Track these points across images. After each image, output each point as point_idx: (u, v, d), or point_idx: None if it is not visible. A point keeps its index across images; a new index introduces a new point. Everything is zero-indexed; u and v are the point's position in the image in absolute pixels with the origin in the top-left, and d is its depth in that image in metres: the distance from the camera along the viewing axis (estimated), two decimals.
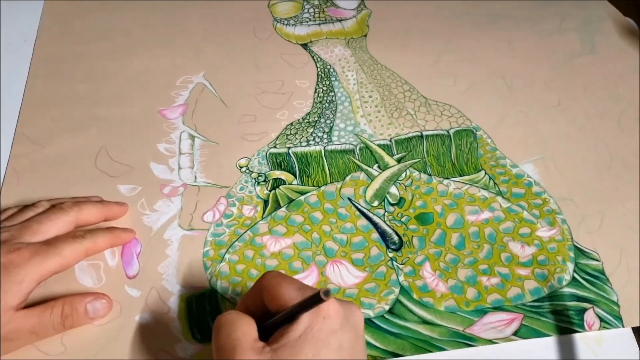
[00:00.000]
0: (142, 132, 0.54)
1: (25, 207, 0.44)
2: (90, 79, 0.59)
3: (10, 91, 0.57)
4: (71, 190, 0.49)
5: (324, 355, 0.30)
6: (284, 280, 0.33)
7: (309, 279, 0.45)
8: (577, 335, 0.43)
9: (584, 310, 0.44)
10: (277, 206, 0.49)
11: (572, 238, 0.48)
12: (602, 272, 0.46)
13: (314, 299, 0.29)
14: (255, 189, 0.50)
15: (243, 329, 0.32)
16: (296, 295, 0.32)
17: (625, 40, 0.66)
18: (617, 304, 0.44)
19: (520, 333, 0.42)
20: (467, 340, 0.42)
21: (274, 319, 0.33)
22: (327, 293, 0.28)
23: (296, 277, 0.44)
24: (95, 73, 0.59)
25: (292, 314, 0.31)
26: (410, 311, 0.43)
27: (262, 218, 0.48)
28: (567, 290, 0.45)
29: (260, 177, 0.51)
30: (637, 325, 0.43)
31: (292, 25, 0.66)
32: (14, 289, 0.38)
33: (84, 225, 0.44)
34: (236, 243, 0.47)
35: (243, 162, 0.52)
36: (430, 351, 0.41)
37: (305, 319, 0.31)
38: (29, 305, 0.39)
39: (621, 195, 0.51)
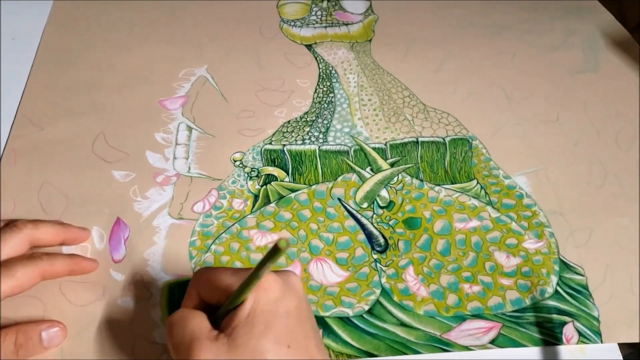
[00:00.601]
0: (141, 120, 0.55)
1: None
2: (94, 67, 0.60)
3: (16, 75, 0.58)
4: (66, 173, 0.50)
5: (275, 324, 0.31)
6: (216, 271, 0.34)
7: None
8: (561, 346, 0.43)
9: (564, 323, 0.44)
10: (267, 202, 0.50)
11: (558, 252, 0.48)
12: (586, 287, 0.46)
13: (266, 259, 0.29)
14: (247, 183, 0.51)
15: (196, 321, 0.33)
16: (234, 280, 0.33)
17: (628, 57, 0.66)
18: (597, 320, 0.44)
19: (497, 342, 0.42)
20: (443, 345, 0.42)
21: (224, 307, 0.33)
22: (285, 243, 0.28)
23: None
24: (99, 62, 0.60)
25: (238, 295, 0.31)
26: (389, 313, 0.44)
27: (251, 212, 0.49)
28: (549, 302, 0.45)
29: (253, 172, 0.52)
30: (615, 341, 0.43)
31: (299, 26, 0.67)
32: None
33: (39, 245, 0.42)
34: (223, 235, 0.47)
35: (237, 156, 0.53)
36: (405, 353, 0.41)
37: (249, 298, 0.31)
38: None
39: (612, 212, 0.51)
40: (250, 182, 0.51)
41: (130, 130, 0.54)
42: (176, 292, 0.44)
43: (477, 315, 0.44)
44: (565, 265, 0.47)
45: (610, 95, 0.62)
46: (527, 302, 0.45)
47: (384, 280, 0.46)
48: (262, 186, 0.51)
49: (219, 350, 0.31)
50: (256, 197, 0.50)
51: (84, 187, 0.49)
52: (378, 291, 0.45)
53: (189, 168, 0.52)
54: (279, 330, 0.31)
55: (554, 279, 0.46)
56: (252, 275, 0.30)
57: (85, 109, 0.56)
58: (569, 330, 0.43)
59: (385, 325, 0.43)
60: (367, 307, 0.44)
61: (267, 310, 0.31)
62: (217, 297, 0.33)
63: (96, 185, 0.50)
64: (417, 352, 0.42)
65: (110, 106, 0.56)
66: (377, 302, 0.44)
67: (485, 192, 0.52)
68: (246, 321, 0.31)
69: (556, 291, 0.46)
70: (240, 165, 0.52)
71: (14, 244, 0.40)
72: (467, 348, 0.42)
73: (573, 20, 0.71)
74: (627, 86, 0.63)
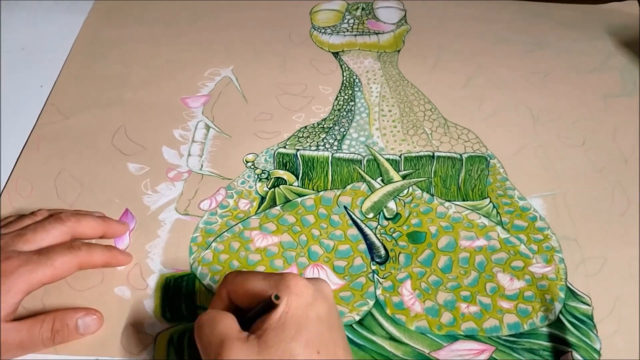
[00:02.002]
0: (162, 116, 0.57)
1: (23, 216, 0.43)
2: (125, 62, 0.62)
3: (51, 65, 0.60)
4: (84, 161, 0.52)
5: (306, 328, 0.32)
6: (247, 275, 0.35)
7: None
8: None
9: (561, 353, 0.42)
10: (273, 204, 0.50)
11: (566, 278, 0.46)
12: (591, 318, 0.44)
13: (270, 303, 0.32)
14: (255, 184, 0.51)
15: (226, 323, 0.33)
16: (264, 284, 0.34)
17: None
18: (598, 352, 0.42)
19: None
20: None
21: (254, 310, 0.33)
22: (277, 297, 0.31)
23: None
24: (130, 58, 0.62)
25: (265, 307, 0.32)
26: (380, 325, 0.43)
27: (256, 213, 0.49)
28: (548, 330, 0.43)
29: (263, 174, 0.52)
30: None
31: (329, 34, 0.67)
32: (1, 299, 0.36)
33: (81, 238, 0.43)
34: (225, 233, 0.48)
35: (250, 157, 0.54)
36: None
37: (281, 303, 0.32)
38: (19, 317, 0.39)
39: (630, 242, 0.49)
40: (259, 184, 0.51)
41: (150, 125, 0.56)
42: (172, 286, 0.44)
43: (470, 336, 0.43)
44: (571, 293, 0.46)
45: None
46: (526, 327, 0.44)
47: (379, 292, 0.45)
48: (270, 188, 0.51)
49: (249, 350, 0.31)
50: (263, 198, 0.50)
51: (99, 177, 0.51)
52: (372, 302, 0.44)
53: (202, 166, 0.53)
54: (309, 335, 0.32)
55: (558, 306, 0.45)
56: (263, 306, 0.32)
57: (111, 102, 0.58)
58: None
59: (374, 338, 0.42)
60: (357, 318, 0.44)
61: (298, 314, 0.32)
62: (248, 300, 0.34)
63: (110, 176, 0.51)
64: None
65: (134, 100, 0.58)
66: (369, 313, 0.44)
67: (497, 212, 0.51)
68: (277, 324, 0.32)
69: (558, 319, 0.44)
70: (252, 167, 0.53)
71: (56, 236, 0.41)
72: None
73: (615, 41, 0.69)
74: None
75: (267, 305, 0.32)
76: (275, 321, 0.32)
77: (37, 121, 0.55)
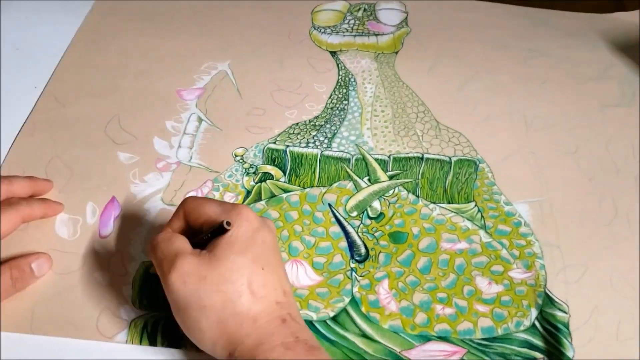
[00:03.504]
0: (156, 107, 0.57)
1: None
2: (124, 53, 0.63)
3: (44, 65, 0.61)
4: (76, 149, 0.53)
5: (253, 247, 0.36)
6: (204, 200, 0.39)
7: None
8: None
9: (533, 359, 0.42)
10: (258, 199, 0.51)
11: (545, 285, 0.46)
12: (566, 326, 0.44)
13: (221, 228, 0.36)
14: (242, 178, 0.52)
15: (180, 242, 0.37)
16: (218, 210, 0.37)
17: None
18: None
19: None
20: None
21: (206, 232, 0.37)
22: (229, 224, 0.35)
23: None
24: (130, 48, 0.63)
25: (217, 231, 0.36)
26: (354, 322, 0.43)
27: None
28: (522, 335, 0.43)
29: (251, 169, 0.53)
30: None
31: (328, 33, 0.68)
32: None
33: (13, 197, 0.45)
34: None
35: (240, 151, 0.54)
36: None
37: (234, 224, 0.36)
38: None
39: (614, 252, 0.49)
40: (246, 178, 0.52)
41: (144, 116, 0.56)
42: (151, 274, 0.45)
43: (443, 338, 0.43)
44: (549, 300, 0.45)
45: None
46: (500, 332, 0.43)
47: (355, 289, 0.45)
48: (257, 183, 0.52)
49: (200, 261, 0.35)
50: (248, 192, 0.51)
51: (89, 165, 0.52)
52: (347, 299, 0.45)
53: (191, 157, 0.53)
54: (256, 253, 0.36)
55: (534, 313, 0.45)
56: (214, 229, 0.36)
57: (107, 92, 0.58)
58: None
59: (347, 334, 0.43)
60: (332, 314, 0.44)
61: (247, 236, 0.36)
62: (201, 223, 0.38)
63: (100, 164, 0.52)
64: None
65: (130, 91, 0.59)
66: (344, 310, 0.44)
67: (482, 216, 0.51)
68: (226, 244, 0.35)
69: (533, 325, 0.44)
70: (240, 161, 0.53)
71: None
72: None
73: (616, 51, 0.68)
74: None
75: (219, 230, 0.36)
76: (225, 240, 0.35)
77: (33, 108, 0.56)
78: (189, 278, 0.35)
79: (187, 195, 0.40)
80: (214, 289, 0.34)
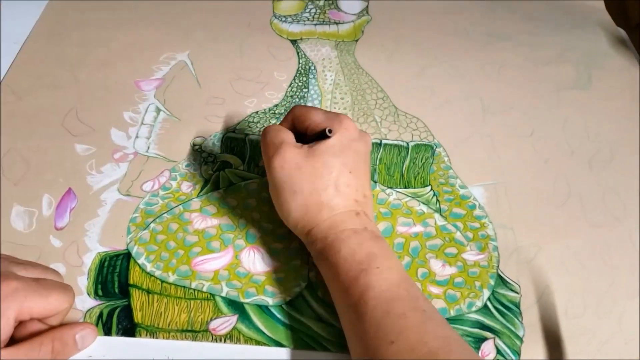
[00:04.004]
0: (114, 99, 0.57)
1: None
2: (83, 44, 0.62)
3: (8, 46, 0.61)
4: (33, 141, 0.53)
5: (348, 153, 0.41)
6: (311, 108, 0.44)
7: (223, 259, 0.46)
8: None
9: (484, 339, 0.43)
10: (216, 187, 0.51)
11: (498, 266, 0.47)
12: (517, 305, 0.45)
13: (323, 134, 0.41)
14: (200, 167, 0.52)
15: (287, 134, 0.43)
16: (323, 118, 0.43)
17: (623, 78, 0.63)
18: (520, 339, 0.43)
19: None
20: None
21: (310, 136, 0.42)
22: (330, 131, 0.40)
23: (209, 256, 0.46)
24: (89, 39, 0.63)
25: (320, 135, 0.41)
26: (310, 307, 0.44)
27: (197, 196, 0.50)
28: (474, 316, 0.44)
29: (209, 158, 0.53)
30: None
31: (289, 22, 0.68)
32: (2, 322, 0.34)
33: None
34: (165, 215, 0.48)
35: (198, 140, 0.54)
36: (315, 348, 0.42)
37: (333, 134, 0.41)
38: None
39: (565, 233, 0.50)
40: (204, 167, 0.52)
41: (101, 107, 0.56)
42: (106, 264, 0.45)
43: None
44: (501, 281, 0.46)
45: (594, 116, 0.60)
46: (452, 313, 0.44)
47: (312, 274, 0.46)
48: (215, 172, 0.52)
49: (299, 153, 0.41)
50: (207, 181, 0.51)
51: (46, 157, 0.52)
52: (304, 284, 0.45)
53: (148, 147, 0.53)
54: (348, 158, 0.41)
55: (486, 293, 0.45)
56: (318, 134, 0.42)
57: (66, 83, 0.58)
58: (487, 347, 0.43)
59: (302, 318, 0.43)
60: (288, 299, 0.44)
61: (344, 143, 0.41)
62: (305, 126, 0.43)
63: (57, 156, 0.52)
64: (326, 348, 0.42)
65: (88, 82, 0.58)
66: (300, 295, 0.45)
67: (437, 200, 0.51)
68: (326, 146, 0.41)
69: (485, 306, 0.45)
70: (199, 150, 0.53)
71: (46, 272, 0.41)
72: None
73: (575, 35, 0.69)
74: (614, 108, 0.61)
75: (322, 135, 0.41)
76: (326, 143, 0.41)
77: None
78: (287, 164, 0.40)
79: (295, 105, 0.47)
80: (305, 178, 0.40)
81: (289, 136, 0.42)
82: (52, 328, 0.38)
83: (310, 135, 0.43)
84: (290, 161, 0.40)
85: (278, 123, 0.46)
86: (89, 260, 0.45)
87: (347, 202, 0.41)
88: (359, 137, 0.43)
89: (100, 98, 0.57)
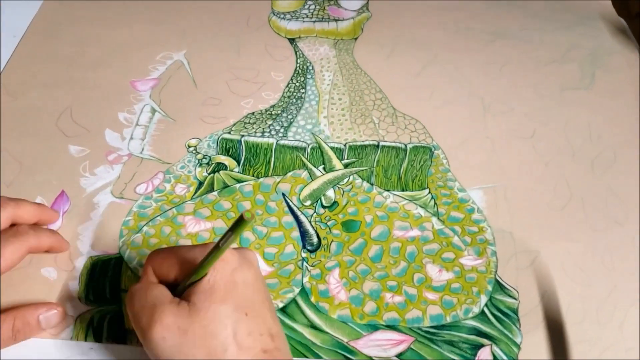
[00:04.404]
0: (109, 99, 0.57)
1: None
2: (79, 42, 0.62)
3: (4, 44, 0.60)
4: (26, 142, 0.52)
5: (235, 292, 0.33)
6: (173, 249, 0.36)
7: None
8: None
9: (480, 346, 0.42)
10: (210, 190, 0.50)
11: (496, 271, 0.46)
12: (515, 312, 0.44)
13: (220, 242, 0.32)
14: (195, 169, 0.51)
15: (158, 290, 0.34)
16: (193, 253, 0.35)
17: (627, 78, 0.62)
18: (518, 346, 0.42)
19: (404, 356, 0.41)
20: (346, 353, 0.41)
21: (183, 282, 0.35)
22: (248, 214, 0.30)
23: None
24: (84, 38, 0.62)
25: (201, 267, 0.33)
26: (302, 313, 0.43)
27: (191, 198, 0.49)
28: (470, 323, 0.43)
29: (204, 160, 0.52)
30: None
31: (287, 19, 0.67)
32: None
33: (19, 223, 0.42)
34: (158, 218, 0.48)
35: (193, 142, 0.54)
36: (306, 356, 0.41)
37: (209, 270, 0.33)
38: None
39: (566, 236, 0.49)
40: (198, 169, 0.52)
41: (96, 108, 0.56)
42: (98, 268, 0.45)
43: (391, 327, 0.43)
44: (499, 286, 0.46)
45: (597, 117, 0.59)
46: (448, 319, 0.44)
47: (306, 279, 0.45)
48: (209, 174, 0.51)
49: (180, 313, 0.33)
50: (201, 184, 0.51)
51: (39, 158, 0.51)
52: (297, 290, 0.45)
53: (142, 149, 0.53)
54: (238, 299, 0.33)
55: (484, 299, 0.45)
56: (215, 248, 0.32)
57: (60, 83, 0.58)
58: (484, 354, 0.42)
59: (295, 325, 0.43)
60: (281, 305, 0.44)
61: (226, 279, 0.34)
62: (175, 273, 0.35)
63: (51, 158, 0.51)
64: (318, 356, 0.41)
65: (83, 82, 0.58)
66: (294, 300, 0.44)
67: (435, 203, 0.50)
68: (207, 288, 0.33)
69: (482, 312, 0.44)
70: (194, 152, 0.53)
71: None
72: (370, 358, 0.41)
73: (579, 33, 0.68)
74: (618, 109, 0.60)
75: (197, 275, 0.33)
76: (204, 286, 0.33)
77: None
78: (169, 333, 0.32)
79: (151, 251, 0.37)
80: (198, 344, 0.32)
81: (161, 292, 0.34)
82: (14, 308, 0.39)
83: (182, 283, 0.35)
84: (171, 327, 0.32)
85: (142, 275, 0.37)
86: (81, 264, 0.45)
87: (255, 357, 0.33)
88: (241, 262, 0.35)
89: (95, 98, 0.56)
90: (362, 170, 0.52)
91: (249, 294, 0.34)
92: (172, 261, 0.35)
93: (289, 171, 0.52)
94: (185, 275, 0.35)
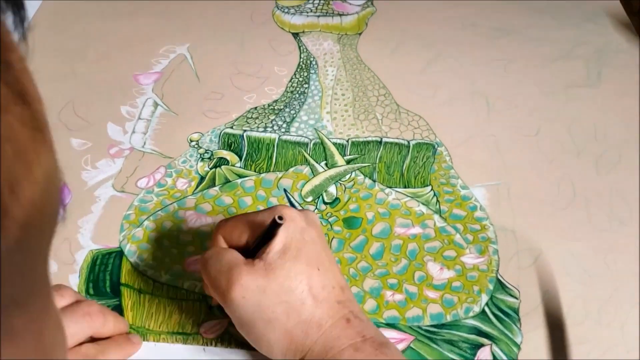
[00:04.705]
0: (112, 92, 0.57)
1: None
2: (82, 35, 0.62)
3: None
4: None
5: (305, 249, 0.35)
6: (241, 216, 0.38)
7: None
8: None
9: (480, 345, 0.42)
10: (212, 184, 0.50)
11: (497, 270, 0.46)
12: (516, 311, 0.44)
13: (273, 226, 0.34)
14: (197, 164, 0.51)
15: (231, 253, 0.36)
16: (261, 216, 0.36)
17: (634, 76, 0.62)
18: (518, 346, 0.42)
19: (404, 355, 0.41)
20: None
21: (256, 240, 0.36)
22: (281, 218, 0.34)
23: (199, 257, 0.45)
24: (88, 31, 0.62)
25: (266, 235, 0.35)
26: None
27: (193, 193, 0.49)
28: (471, 322, 0.43)
29: (206, 154, 0.52)
30: None
31: (292, 14, 0.67)
32: None
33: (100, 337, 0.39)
34: (159, 212, 0.48)
35: (195, 136, 0.53)
36: None
37: (280, 231, 0.34)
38: None
39: (569, 236, 0.48)
40: (200, 164, 0.51)
41: (99, 101, 0.56)
42: (98, 262, 0.45)
43: (391, 325, 0.43)
44: (500, 285, 0.45)
45: (603, 115, 0.58)
46: (449, 318, 0.43)
47: None
48: (211, 169, 0.51)
49: (257, 273, 0.34)
50: (202, 178, 0.50)
51: None
52: None
53: (144, 143, 0.53)
54: (309, 255, 0.35)
55: (484, 298, 0.44)
56: (261, 239, 0.35)
57: (64, 76, 0.58)
58: (483, 353, 0.42)
59: None
60: None
61: (296, 238, 0.35)
62: (247, 237, 0.37)
63: None
64: None
65: (87, 75, 0.58)
66: None
67: (437, 200, 0.50)
68: (280, 248, 0.34)
69: (483, 311, 0.44)
70: (196, 146, 0.53)
71: (77, 331, 0.37)
72: None
73: (586, 30, 0.67)
74: (624, 107, 0.59)
75: (269, 232, 0.34)
76: (277, 245, 0.34)
77: None
78: (249, 292, 0.34)
79: (220, 220, 0.38)
80: (276, 301, 0.34)
81: (234, 256, 0.36)
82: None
83: (253, 244, 0.36)
84: (250, 287, 0.34)
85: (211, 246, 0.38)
86: (81, 258, 0.45)
87: (330, 309, 0.34)
88: (306, 222, 0.36)
89: (97, 91, 0.56)
90: (365, 166, 0.52)
91: (318, 250, 0.36)
92: (243, 227, 0.37)
93: (291, 167, 0.52)
94: (255, 237, 0.36)
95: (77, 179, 0.49)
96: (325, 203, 0.49)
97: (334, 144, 0.54)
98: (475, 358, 0.41)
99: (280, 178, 0.51)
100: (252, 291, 0.34)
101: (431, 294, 0.44)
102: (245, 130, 0.54)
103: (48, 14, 0.64)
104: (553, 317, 0.44)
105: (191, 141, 0.53)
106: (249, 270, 0.34)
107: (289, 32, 0.65)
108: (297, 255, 0.35)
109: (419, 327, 0.43)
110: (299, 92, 0.58)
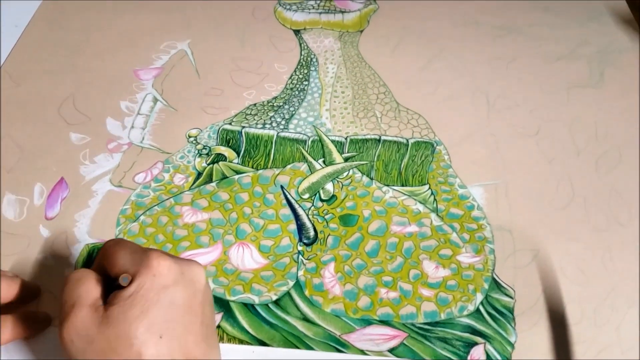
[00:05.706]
0: (112, 87, 0.57)
1: None
2: (84, 30, 0.62)
3: (11, 30, 0.61)
4: (28, 129, 0.52)
5: (153, 311, 0.31)
6: (120, 247, 0.34)
7: (211, 255, 0.45)
8: None
9: (474, 344, 0.42)
10: (209, 180, 0.50)
11: (493, 269, 0.46)
12: (511, 310, 0.44)
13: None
14: (194, 160, 0.51)
15: (87, 287, 0.33)
16: (128, 260, 0.33)
17: (637, 77, 0.61)
18: (512, 345, 0.42)
19: (396, 351, 0.41)
20: (339, 346, 0.41)
21: (116, 283, 0.33)
22: (125, 280, 0.31)
23: (199, 251, 0.45)
24: (90, 25, 0.62)
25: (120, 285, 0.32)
26: (296, 306, 0.43)
27: (189, 189, 0.49)
28: (465, 320, 0.43)
29: (204, 150, 0.52)
30: None
31: (294, 10, 0.67)
32: None
33: None
34: (155, 207, 0.48)
35: (194, 132, 0.54)
36: (298, 348, 0.41)
37: (137, 279, 0.32)
38: None
39: (566, 236, 0.48)
40: (197, 159, 0.51)
41: (98, 96, 0.56)
42: (94, 256, 0.45)
43: (384, 322, 0.43)
44: (496, 285, 0.45)
45: (604, 115, 0.58)
46: (443, 316, 0.43)
47: (301, 272, 0.45)
48: (209, 164, 0.51)
49: (92, 321, 0.31)
50: (199, 174, 0.50)
51: (40, 145, 0.51)
52: (292, 283, 0.44)
53: (143, 138, 0.53)
54: (154, 319, 0.31)
55: (479, 297, 0.44)
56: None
57: (64, 70, 0.58)
58: (477, 352, 0.42)
59: (288, 318, 0.43)
60: (275, 297, 0.44)
61: (149, 296, 0.31)
62: (115, 272, 0.34)
63: (52, 145, 0.52)
64: (310, 348, 0.41)
65: (87, 70, 0.58)
66: (288, 293, 0.44)
67: (435, 199, 0.50)
68: (125, 302, 0.31)
69: (477, 310, 0.44)
70: (194, 142, 0.53)
71: None
72: (362, 352, 0.41)
73: (590, 29, 0.67)
74: (625, 108, 0.58)
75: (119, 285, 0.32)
76: (124, 298, 0.31)
77: None
78: (77, 337, 0.31)
79: (108, 240, 0.36)
80: (99, 356, 0.30)
81: (89, 289, 0.32)
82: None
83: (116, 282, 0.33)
84: (80, 333, 0.31)
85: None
86: (77, 251, 0.45)
87: None
88: (176, 280, 0.32)
89: (97, 86, 0.56)
90: (362, 164, 0.52)
91: (172, 316, 0.31)
92: (112, 260, 0.34)
93: (289, 163, 0.52)
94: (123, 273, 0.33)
95: (75, 173, 0.50)
96: (322, 200, 0.49)
97: (333, 141, 0.54)
98: (469, 357, 0.41)
99: (278, 175, 0.51)
100: (81, 338, 0.31)
101: (426, 292, 0.44)
102: (243, 127, 0.54)
103: (49, 9, 0.64)
104: (548, 316, 0.44)
105: (189, 137, 0.53)
106: (87, 315, 0.31)
107: (290, 28, 0.64)
108: (139, 316, 0.31)
109: (413, 325, 0.43)
110: (299, 89, 0.58)
